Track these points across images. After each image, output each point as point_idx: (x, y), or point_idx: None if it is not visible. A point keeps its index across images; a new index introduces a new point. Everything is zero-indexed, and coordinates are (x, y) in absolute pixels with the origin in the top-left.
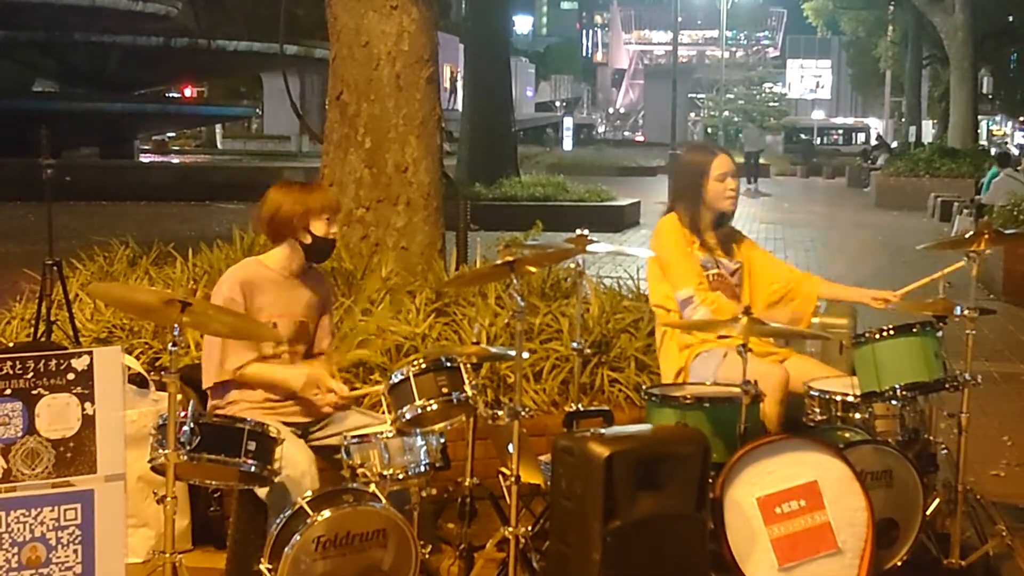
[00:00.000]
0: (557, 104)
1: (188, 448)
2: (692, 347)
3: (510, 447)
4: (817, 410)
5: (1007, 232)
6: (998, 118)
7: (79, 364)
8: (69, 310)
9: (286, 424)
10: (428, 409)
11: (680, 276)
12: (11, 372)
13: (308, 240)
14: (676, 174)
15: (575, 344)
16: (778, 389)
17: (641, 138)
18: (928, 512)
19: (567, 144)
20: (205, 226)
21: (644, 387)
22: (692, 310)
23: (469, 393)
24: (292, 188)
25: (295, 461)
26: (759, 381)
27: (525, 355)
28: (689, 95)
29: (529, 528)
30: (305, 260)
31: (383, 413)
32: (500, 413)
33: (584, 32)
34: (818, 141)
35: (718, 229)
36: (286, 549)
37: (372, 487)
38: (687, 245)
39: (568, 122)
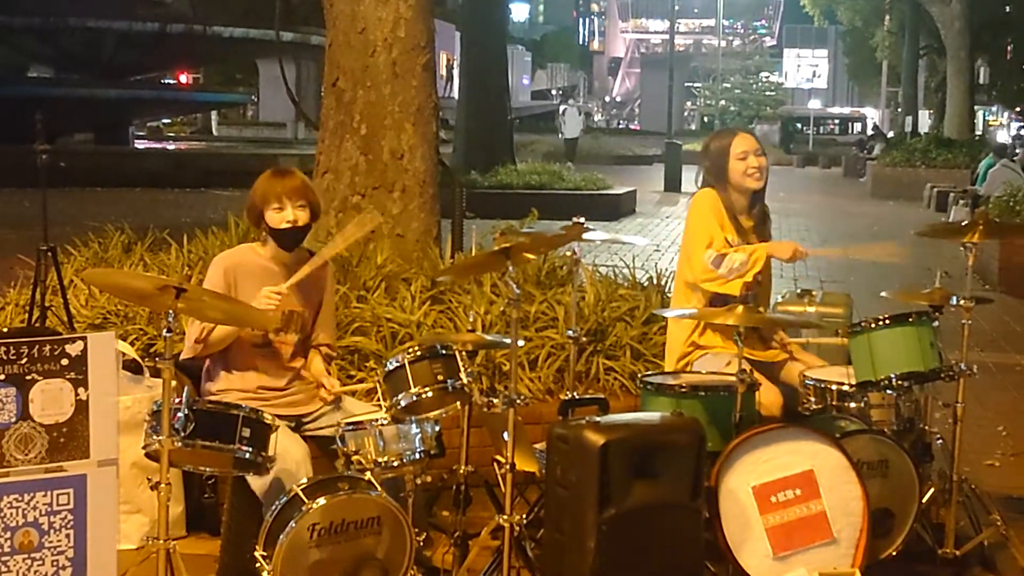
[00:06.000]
0: (553, 92)
1: (182, 434)
2: (698, 350)
3: (505, 435)
4: (813, 399)
5: (1003, 223)
6: (994, 108)
7: (73, 350)
8: (64, 296)
9: (279, 417)
10: (423, 397)
11: (703, 237)
12: (5, 357)
13: (267, 230)
14: (705, 164)
15: (570, 332)
16: (772, 412)
17: (636, 126)
18: (923, 502)
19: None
20: (200, 213)
21: (639, 375)
22: (729, 260)
23: (464, 381)
24: (262, 177)
25: (289, 453)
26: None
27: (520, 343)
28: (686, 84)
29: (524, 516)
30: (278, 248)
31: (378, 401)
32: (495, 401)
33: (581, 20)
34: (815, 131)
35: (752, 211)
36: (281, 536)
37: (367, 475)
38: (719, 220)
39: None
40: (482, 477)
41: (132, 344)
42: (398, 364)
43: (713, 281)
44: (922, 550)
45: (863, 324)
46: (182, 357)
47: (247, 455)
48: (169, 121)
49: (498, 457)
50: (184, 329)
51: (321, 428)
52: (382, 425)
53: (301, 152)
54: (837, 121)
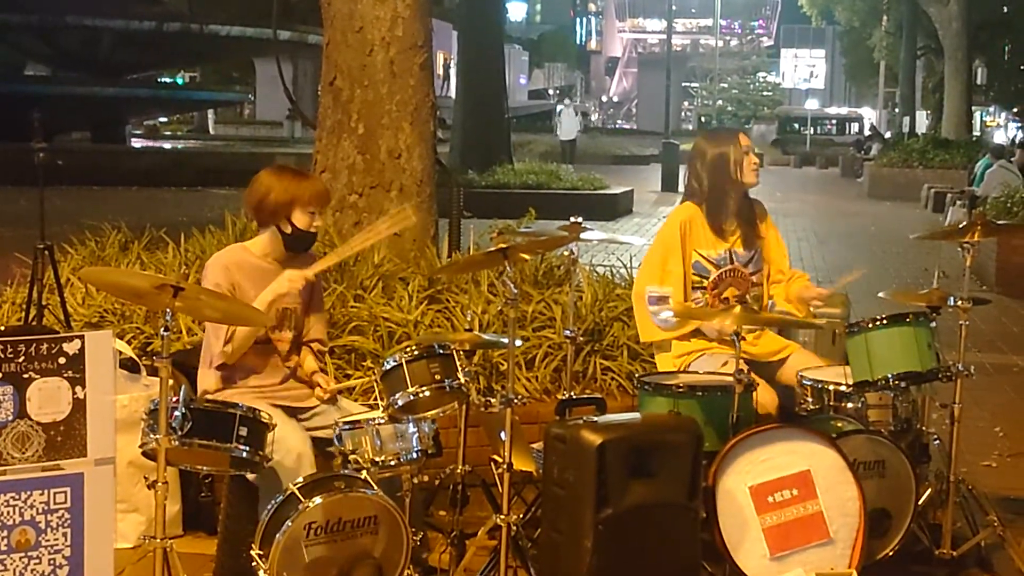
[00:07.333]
0: (550, 92)
1: (179, 433)
2: (692, 353)
3: (502, 435)
4: (810, 399)
5: (1000, 223)
6: (992, 109)
7: (70, 348)
8: (60, 294)
9: (276, 406)
10: (420, 396)
11: (662, 275)
12: (2, 356)
13: (288, 230)
14: (700, 163)
15: (568, 332)
16: (769, 411)
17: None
18: (920, 502)
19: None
20: (197, 211)
21: (637, 375)
22: (660, 309)
23: (462, 380)
24: (283, 174)
25: (288, 443)
26: None
27: (518, 343)
28: (683, 84)
29: (521, 516)
30: (284, 249)
31: (374, 400)
32: (492, 400)
33: (578, 20)
34: (812, 131)
35: (741, 208)
36: (277, 535)
37: (364, 474)
38: (688, 246)
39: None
40: (479, 477)
41: (129, 343)
42: (395, 363)
43: (642, 323)
44: (919, 551)
45: (861, 324)
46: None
47: (244, 454)
48: (166, 120)
49: (495, 457)
50: (182, 328)
51: (317, 428)
52: (379, 424)
53: (297, 151)
54: (834, 121)
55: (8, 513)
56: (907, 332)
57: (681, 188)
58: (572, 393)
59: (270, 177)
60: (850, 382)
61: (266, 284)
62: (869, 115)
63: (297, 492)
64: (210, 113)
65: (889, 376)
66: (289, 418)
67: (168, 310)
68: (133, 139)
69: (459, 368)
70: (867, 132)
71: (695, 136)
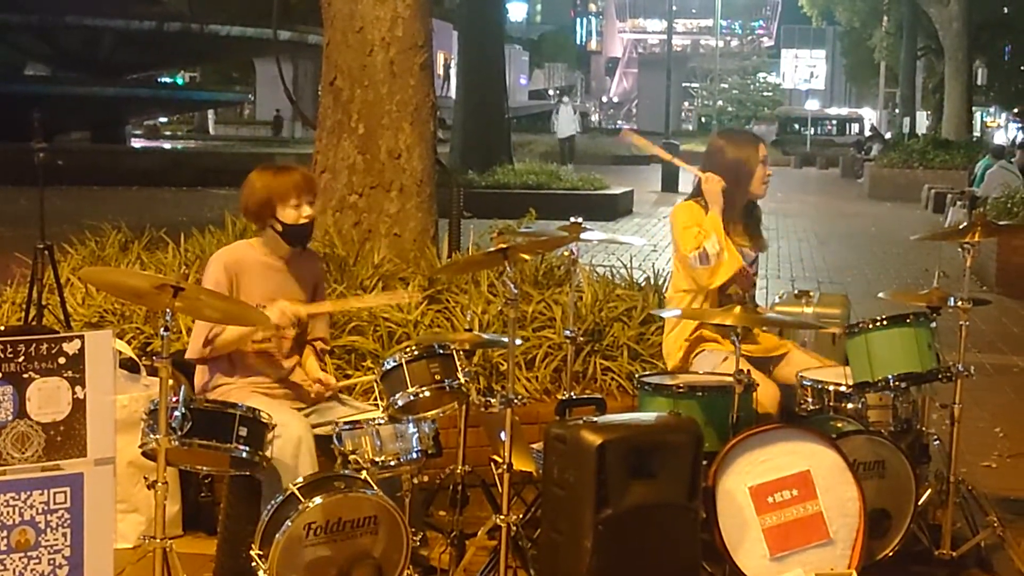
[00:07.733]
0: (551, 92)
1: (179, 433)
2: (695, 349)
3: (502, 435)
4: (810, 400)
5: (1000, 224)
6: (992, 109)
7: (70, 348)
8: (60, 294)
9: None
10: (420, 396)
11: (689, 241)
12: (2, 355)
13: (279, 227)
14: (719, 164)
15: (568, 332)
16: (770, 407)
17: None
18: (920, 503)
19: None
20: (197, 211)
21: (637, 376)
22: (707, 251)
23: (462, 380)
24: (265, 173)
25: (289, 429)
26: None
27: (518, 343)
28: (683, 84)
29: (521, 516)
30: (284, 245)
31: (375, 400)
32: (492, 401)
33: (578, 20)
34: (812, 131)
35: (746, 212)
36: (277, 535)
37: (364, 474)
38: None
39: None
40: (479, 477)
41: (129, 343)
42: (395, 363)
43: (713, 276)
44: (919, 551)
45: (861, 325)
46: (187, 356)
47: (244, 454)
48: (166, 120)
49: (495, 457)
50: (182, 328)
51: (317, 426)
52: (379, 424)
53: (297, 151)
54: (834, 122)
55: (8, 513)
56: (907, 333)
57: (682, 188)
58: (572, 393)
59: (254, 177)
60: (850, 383)
61: (272, 280)
62: (869, 116)
63: (297, 492)
64: (210, 113)
65: (889, 377)
66: (289, 409)
67: (168, 310)
68: (133, 139)
69: (459, 368)
70: (867, 133)
71: (695, 137)
